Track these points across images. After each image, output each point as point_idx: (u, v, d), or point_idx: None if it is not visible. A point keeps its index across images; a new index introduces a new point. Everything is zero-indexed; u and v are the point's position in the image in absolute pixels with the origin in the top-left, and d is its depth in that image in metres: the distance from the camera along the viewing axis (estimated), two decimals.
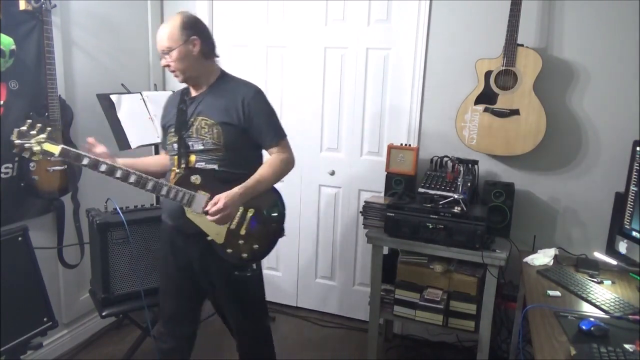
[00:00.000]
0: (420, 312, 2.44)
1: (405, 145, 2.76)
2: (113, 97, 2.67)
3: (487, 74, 2.52)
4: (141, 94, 2.85)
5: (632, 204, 2.06)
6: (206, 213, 1.82)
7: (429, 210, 2.38)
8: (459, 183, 2.43)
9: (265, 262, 3.38)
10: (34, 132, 1.72)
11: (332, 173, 3.12)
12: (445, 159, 2.65)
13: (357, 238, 3.14)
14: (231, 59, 3.21)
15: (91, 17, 2.75)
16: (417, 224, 2.38)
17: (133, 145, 2.62)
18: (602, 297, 1.87)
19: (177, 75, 1.92)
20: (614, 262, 2.23)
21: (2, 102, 2.23)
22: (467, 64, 2.62)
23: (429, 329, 2.85)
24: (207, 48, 1.91)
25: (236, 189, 1.82)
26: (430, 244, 2.38)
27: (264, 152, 2.02)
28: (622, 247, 2.16)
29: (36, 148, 1.72)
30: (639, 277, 2.07)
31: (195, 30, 1.88)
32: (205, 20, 3.17)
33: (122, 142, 2.61)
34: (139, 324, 2.62)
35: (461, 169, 2.44)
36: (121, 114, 2.66)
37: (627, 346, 1.48)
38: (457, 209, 2.34)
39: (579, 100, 2.54)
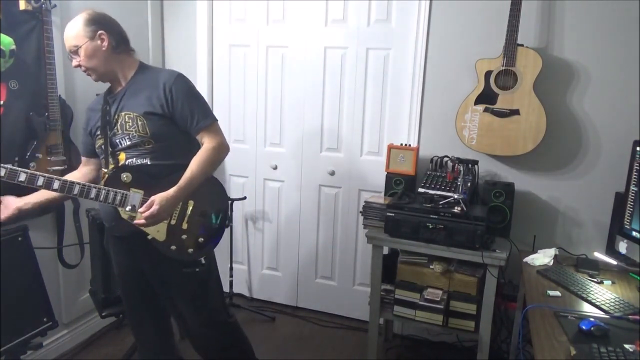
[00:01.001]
0: (420, 312, 2.44)
1: (405, 145, 2.76)
2: None
3: (487, 74, 2.52)
4: None
5: (632, 204, 2.06)
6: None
7: (429, 210, 2.38)
8: (459, 183, 2.43)
9: (265, 262, 3.40)
10: None
11: (332, 173, 3.12)
12: (445, 159, 2.65)
13: (357, 238, 3.14)
14: (231, 59, 3.21)
15: None
16: (417, 224, 2.38)
17: None
18: (602, 297, 1.87)
19: (89, 74, 1.86)
20: (614, 262, 2.23)
21: (2, 102, 2.23)
22: (467, 64, 2.62)
23: (429, 329, 2.85)
24: (116, 42, 1.85)
25: (170, 191, 1.75)
26: (430, 244, 2.38)
27: None
28: (622, 247, 2.16)
29: None
30: (639, 277, 2.07)
31: (102, 25, 1.83)
32: (205, 21, 3.19)
33: None
34: None
35: (461, 169, 2.44)
36: None
37: (627, 346, 1.48)
38: (457, 209, 2.34)
39: (579, 100, 2.54)
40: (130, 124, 1.81)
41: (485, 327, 2.36)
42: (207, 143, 1.86)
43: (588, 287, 1.97)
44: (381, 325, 2.76)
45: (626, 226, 2.08)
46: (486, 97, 2.53)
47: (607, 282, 2.05)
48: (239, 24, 3.17)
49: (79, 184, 1.75)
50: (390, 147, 2.75)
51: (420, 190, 2.49)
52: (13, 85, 2.27)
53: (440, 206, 2.38)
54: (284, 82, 3.13)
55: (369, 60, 2.93)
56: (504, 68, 2.47)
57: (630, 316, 1.71)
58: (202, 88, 3.29)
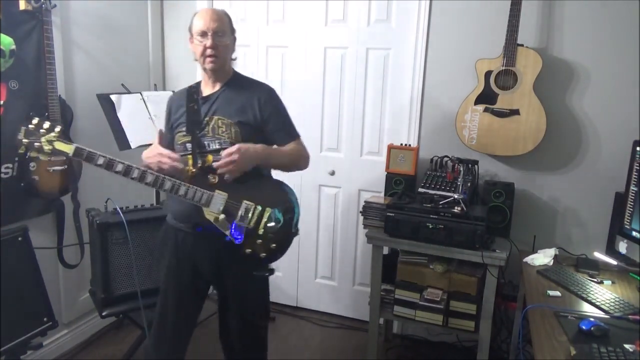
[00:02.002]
0: (420, 312, 2.44)
1: (405, 145, 2.76)
2: (113, 97, 2.67)
3: (487, 74, 2.52)
4: (141, 94, 2.85)
5: (632, 204, 2.06)
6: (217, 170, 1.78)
7: (429, 210, 2.38)
8: (459, 183, 2.43)
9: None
10: (43, 130, 1.67)
11: (332, 173, 3.12)
12: (445, 159, 2.65)
13: (357, 238, 3.14)
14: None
15: (91, 17, 2.75)
16: (417, 224, 2.38)
17: (133, 145, 2.62)
18: (602, 297, 1.87)
19: (214, 62, 1.88)
20: (614, 262, 2.23)
21: (2, 102, 2.23)
22: (467, 64, 2.62)
23: (429, 329, 2.85)
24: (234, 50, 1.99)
25: (255, 145, 1.82)
26: (430, 244, 2.38)
27: None
28: (622, 247, 2.16)
29: (47, 147, 1.67)
30: (639, 277, 2.07)
31: (234, 31, 1.98)
32: None
33: (122, 142, 2.61)
34: (139, 324, 2.62)
35: (461, 169, 2.44)
36: (121, 114, 2.66)
37: (627, 346, 1.48)
38: (457, 209, 2.34)
39: (579, 100, 2.54)
40: (224, 129, 1.87)
41: (485, 327, 2.36)
42: (295, 145, 1.98)
43: (588, 287, 1.97)
44: (381, 325, 2.77)
45: (626, 226, 2.08)
46: (486, 97, 2.53)
47: (607, 282, 2.05)
48: (239, 23, 3.15)
49: (169, 180, 1.78)
50: (390, 147, 2.75)
51: (420, 190, 2.49)
52: (13, 85, 2.27)
53: (440, 206, 2.38)
54: (284, 82, 3.13)
55: (369, 60, 2.93)
56: (504, 68, 2.47)
57: (630, 316, 1.71)
58: None
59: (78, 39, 2.68)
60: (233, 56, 2.00)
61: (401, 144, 2.77)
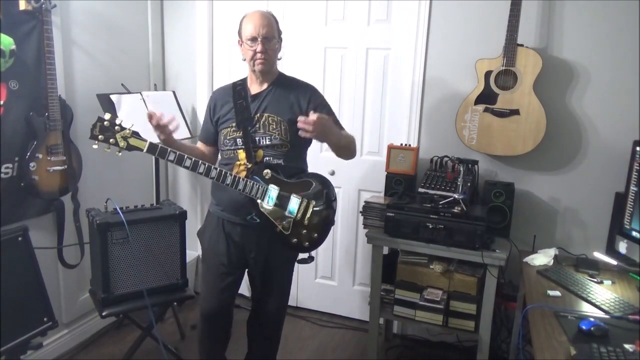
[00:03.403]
0: (420, 312, 2.44)
1: (405, 145, 2.76)
2: (113, 97, 2.67)
3: (487, 74, 2.52)
4: (141, 94, 2.85)
5: (632, 204, 2.06)
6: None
7: (429, 210, 2.38)
8: (459, 183, 2.43)
9: None
10: (117, 127, 1.79)
11: (332, 173, 3.11)
12: (445, 159, 2.65)
13: (357, 238, 3.14)
14: (231, 59, 3.21)
15: (91, 17, 2.75)
16: (417, 224, 2.38)
17: None
18: (602, 297, 1.87)
19: (264, 64, 1.98)
20: (614, 262, 2.23)
21: (2, 102, 2.23)
22: (467, 64, 2.62)
23: (429, 329, 2.85)
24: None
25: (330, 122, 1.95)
26: (430, 244, 2.38)
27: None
28: (622, 247, 2.16)
29: (122, 143, 1.80)
30: (639, 277, 2.07)
31: (280, 32, 2.07)
32: (205, 21, 3.20)
33: None
34: (139, 324, 2.62)
35: (461, 169, 2.44)
36: (121, 114, 2.66)
37: (627, 346, 1.48)
38: (457, 209, 2.34)
39: (579, 100, 2.54)
40: (274, 126, 2.00)
41: (485, 327, 2.36)
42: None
43: (588, 287, 1.97)
44: (381, 325, 2.76)
45: (626, 226, 2.08)
46: (486, 97, 2.53)
47: (607, 282, 2.05)
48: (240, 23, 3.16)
49: (230, 174, 1.92)
50: (390, 147, 2.75)
51: (420, 190, 2.49)
52: (13, 85, 2.27)
53: (440, 206, 2.38)
54: None
55: (369, 60, 2.93)
56: (504, 68, 2.47)
57: (630, 316, 1.71)
58: (202, 88, 3.29)
59: (78, 39, 2.68)
60: (279, 56, 2.09)
61: (401, 144, 2.77)
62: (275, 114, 2.01)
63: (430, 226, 2.36)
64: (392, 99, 2.92)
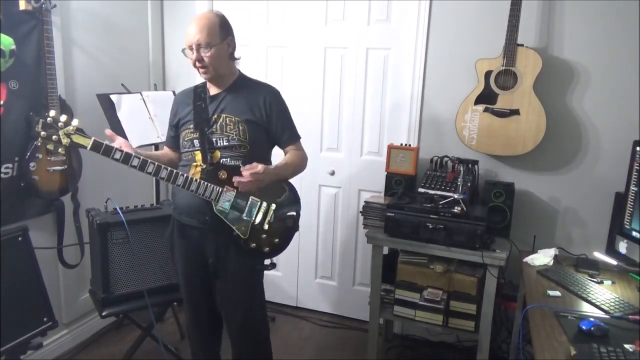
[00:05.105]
0: (420, 312, 2.44)
1: (405, 145, 2.76)
2: (113, 97, 2.66)
3: (487, 74, 2.52)
4: (141, 94, 2.85)
5: (632, 204, 2.06)
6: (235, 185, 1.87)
7: (429, 210, 2.38)
8: (459, 183, 2.43)
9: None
10: (60, 123, 1.69)
11: (332, 173, 3.12)
12: (445, 159, 2.65)
13: (357, 238, 3.14)
14: None
15: (91, 17, 2.75)
16: (417, 224, 2.38)
17: (133, 145, 2.61)
18: (602, 297, 1.87)
19: (206, 72, 1.94)
20: (614, 262, 2.23)
21: (2, 102, 2.23)
22: (467, 64, 2.62)
23: (429, 329, 2.84)
24: (233, 49, 2.00)
25: (271, 166, 1.94)
26: (430, 244, 2.38)
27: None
28: (622, 247, 2.16)
29: (65, 140, 1.70)
30: (639, 277, 2.07)
31: (230, 31, 1.97)
32: None
33: None
34: (139, 324, 2.62)
35: (461, 169, 2.44)
36: (121, 114, 2.66)
37: (627, 346, 1.48)
38: (457, 209, 2.34)
39: (579, 100, 2.54)
40: (232, 126, 1.94)
41: (485, 327, 2.36)
42: (295, 150, 2.08)
43: (588, 287, 1.97)
44: (381, 325, 2.76)
45: (626, 226, 2.08)
46: (486, 97, 2.53)
47: (607, 282, 2.05)
48: (239, 24, 3.16)
49: (182, 175, 1.85)
50: (390, 147, 2.75)
51: (420, 190, 2.49)
52: (13, 85, 2.27)
53: (440, 206, 2.38)
54: (284, 82, 3.12)
55: (369, 60, 2.93)
56: (504, 68, 2.47)
57: (630, 316, 1.71)
58: None
59: (78, 39, 2.68)
60: (236, 55, 2.03)
61: (401, 144, 2.77)
62: (232, 114, 1.95)
63: (430, 226, 2.36)
64: (392, 99, 2.92)
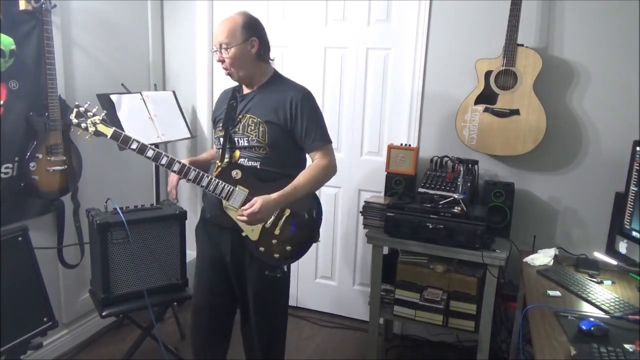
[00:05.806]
0: (420, 312, 2.44)
1: (405, 145, 2.76)
2: (113, 97, 2.67)
3: (487, 74, 2.52)
4: (141, 94, 2.85)
5: (632, 204, 2.06)
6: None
7: (429, 210, 2.38)
8: (459, 183, 2.43)
9: None
10: (90, 113, 1.86)
11: None
12: (445, 159, 2.65)
13: (357, 238, 3.14)
14: None
15: (91, 17, 2.75)
16: (417, 224, 2.38)
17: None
18: (602, 297, 1.87)
19: (229, 74, 1.95)
20: (614, 262, 2.23)
21: (2, 102, 2.23)
22: (467, 64, 2.62)
23: (429, 329, 2.85)
24: (263, 50, 1.96)
25: (274, 195, 1.84)
26: (430, 244, 2.38)
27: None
28: (622, 247, 2.16)
29: (91, 129, 1.86)
30: (639, 277, 2.07)
31: (256, 32, 1.94)
32: (205, 21, 3.20)
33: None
34: (139, 324, 2.62)
35: (461, 169, 2.44)
36: (121, 114, 2.66)
37: (627, 346, 1.48)
38: (457, 209, 2.34)
39: (579, 100, 2.54)
40: (252, 127, 1.92)
41: (485, 327, 2.36)
42: (317, 161, 1.95)
43: (588, 287, 1.97)
44: (381, 325, 2.76)
45: (626, 226, 2.08)
46: (486, 97, 2.53)
47: (607, 282, 2.05)
48: None
49: (194, 170, 1.88)
50: (390, 147, 2.75)
51: (420, 190, 2.49)
52: (13, 85, 2.27)
53: (440, 206, 2.38)
54: None
55: (369, 60, 2.93)
56: (504, 68, 2.47)
57: (630, 316, 1.71)
58: (201, 88, 3.29)
59: (78, 39, 2.68)
60: (271, 57, 2.02)
61: (401, 144, 2.77)
62: (255, 115, 1.92)
63: (430, 226, 2.36)
64: (392, 98, 2.92)
